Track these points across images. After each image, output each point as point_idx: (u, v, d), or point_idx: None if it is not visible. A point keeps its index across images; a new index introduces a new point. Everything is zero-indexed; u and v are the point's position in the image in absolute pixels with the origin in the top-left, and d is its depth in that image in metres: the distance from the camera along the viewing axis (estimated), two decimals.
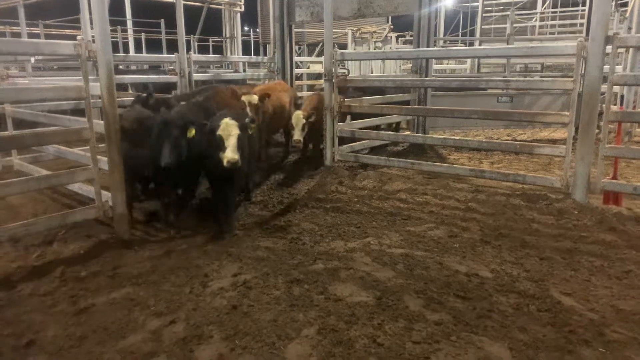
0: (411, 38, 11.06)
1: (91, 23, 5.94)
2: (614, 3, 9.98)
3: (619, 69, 7.57)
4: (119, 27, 16.41)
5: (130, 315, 2.97)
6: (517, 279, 3.38)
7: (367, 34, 13.36)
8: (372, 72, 12.90)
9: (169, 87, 7.87)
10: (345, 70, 7.50)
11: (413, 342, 2.64)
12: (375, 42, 13.31)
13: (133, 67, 13.29)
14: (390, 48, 13.29)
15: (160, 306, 3.08)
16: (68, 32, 15.54)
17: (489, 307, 2.99)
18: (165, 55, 12.00)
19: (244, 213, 4.91)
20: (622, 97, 7.23)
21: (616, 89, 6.43)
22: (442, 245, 4.02)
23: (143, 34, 18.02)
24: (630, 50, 6.86)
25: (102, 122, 4.09)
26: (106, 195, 4.24)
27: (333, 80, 6.43)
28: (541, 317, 2.88)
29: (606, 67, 4.63)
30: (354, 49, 13.06)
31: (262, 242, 4.11)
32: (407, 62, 12.42)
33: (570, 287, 3.24)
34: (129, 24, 17.38)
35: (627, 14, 9.77)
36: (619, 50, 5.52)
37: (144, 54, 14.99)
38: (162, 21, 16.18)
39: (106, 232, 4.28)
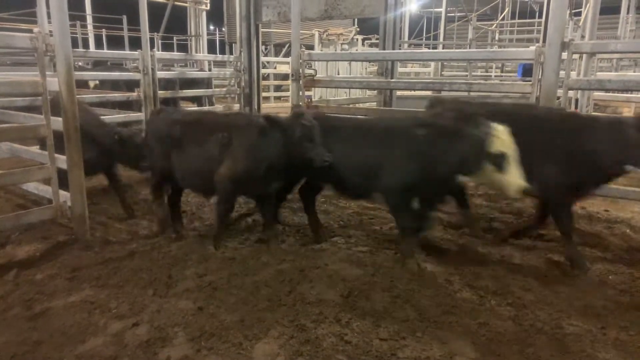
0: (377, 41, 11.21)
1: (49, 17, 5.71)
2: (568, 12, 10.44)
3: (573, 74, 7.92)
4: (78, 22, 15.82)
5: (90, 319, 2.87)
6: (479, 275, 3.47)
7: (334, 35, 13.43)
8: (338, 74, 12.97)
9: (131, 84, 7.65)
10: (312, 71, 7.51)
11: (380, 339, 2.67)
12: (341, 44, 13.40)
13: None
14: (357, 50, 13.42)
15: (122, 308, 2.98)
16: (24, 26, 14.86)
17: (453, 303, 3.06)
18: (127, 52, 11.65)
19: (210, 214, 4.83)
20: (576, 100, 7.56)
21: (571, 93, 6.70)
22: None
23: (104, 30, 17.45)
24: (584, 56, 7.19)
25: (60, 119, 3.93)
26: (64, 195, 4.07)
27: (300, 80, 6.42)
28: (502, 313, 2.98)
29: (562, 73, 4.83)
30: (321, 51, 13.11)
31: (228, 243, 4.05)
32: (372, 65, 12.55)
33: (529, 284, 3.36)
34: (89, 19, 16.80)
35: (581, 23, 10.26)
36: (574, 56, 5.77)
37: (105, 50, 14.52)
38: (124, 17, 15.74)
39: (64, 234, 4.12)
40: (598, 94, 8.08)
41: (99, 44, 16.97)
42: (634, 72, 12.32)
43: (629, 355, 2.57)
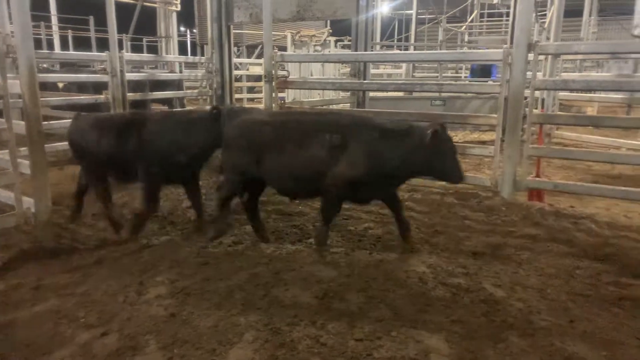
0: (349, 43, 11.27)
1: (10, 18, 5.51)
2: (534, 14, 10.74)
3: (539, 75, 8.15)
4: (42, 22, 15.35)
5: (56, 329, 2.77)
6: (452, 273, 3.52)
7: (307, 37, 13.44)
8: (311, 75, 12.99)
9: (99, 86, 7.47)
10: (285, 73, 7.49)
11: (355, 340, 2.66)
12: (314, 45, 13.41)
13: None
14: (329, 52, 13.46)
15: (91, 317, 2.89)
16: None
17: (427, 302, 3.09)
18: (95, 53, 11.37)
19: (182, 218, 4.75)
20: (542, 100, 7.78)
21: (537, 93, 6.91)
22: (381, 243, 4.12)
23: (70, 31, 16.97)
24: (549, 57, 7.41)
25: (22, 122, 3.79)
26: (28, 201, 3.93)
27: (273, 82, 6.39)
28: (475, 309, 3.02)
29: (529, 74, 4.96)
30: (294, 52, 13.09)
31: (200, 247, 3.98)
32: (345, 66, 12.62)
33: (501, 280, 3.42)
34: (54, 19, 16.32)
35: (546, 25, 10.57)
36: (540, 57, 5.94)
37: (71, 52, 14.12)
38: (91, 18, 15.35)
39: (28, 242, 3.95)
40: (563, 94, 8.34)
41: (64, 45, 16.49)
42: (597, 72, 12.78)
43: (596, 346, 2.64)
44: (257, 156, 3.84)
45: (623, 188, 4.90)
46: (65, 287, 3.27)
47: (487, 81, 10.70)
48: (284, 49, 12.84)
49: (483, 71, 11.85)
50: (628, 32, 11.51)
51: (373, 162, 3.60)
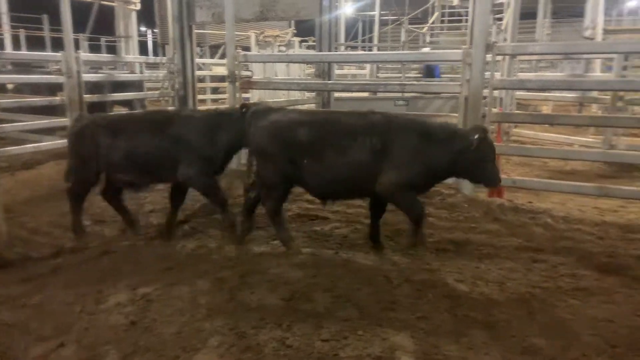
0: (314, 43, 11.28)
1: None
2: (492, 16, 11.06)
3: (497, 75, 8.39)
4: None
5: (7, 343, 2.64)
6: (416, 270, 3.57)
7: (271, 37, 13.35)
8: (276, 76, 12.94)
9: (54, 88, 7.19)
10: (249, 73, 7.41)
11: (322, 341, 2.66)
12: (278, 45, 13.34)
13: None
14: (294, 52, 13.43)
15: (46, 329, 2.77)
16: None
17: (392, 299, 3.12)
18: (49, 53, 10.90)
19: (144, 222, 4.62)
20: (501, 99, 8.02)
21: (495, 92, 7.11)
22: (347, 242, 4.13)
23: (22, 30, 16.23)
24: (507, 58, 7.64)
25: None
26: None
27: (237, 82, 6.31)
28: (439, 305, 3.07)
29: (487, 74, 5.09)
30: (258, 52, 12.99)
31: (164, 252, 3.89)
32: (310, 67, 12.61)
33: (463, 275, 3.50)
34: (5, 18, 15.58)
35: (503, 27, 10.90)
36: (498, 58, 6.11)
37: (23, 52, 13.49)
38: (45, 17, 14.73)
39: None
40: (520, 93, 8.61)
41: (16, 45, 15.76)
42: (551, 72, 13.28)
43: (553, 336, 2.74)
44: (293, 158, 3.74)
45: (576, 183, 5.13)
46: (18, 298, 3.12)
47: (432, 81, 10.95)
48: (247, 49, 12.73)
49: (429, 72, 12.12)
50: (579, 34, 12.04)
51: (424, 167, 3.63)
